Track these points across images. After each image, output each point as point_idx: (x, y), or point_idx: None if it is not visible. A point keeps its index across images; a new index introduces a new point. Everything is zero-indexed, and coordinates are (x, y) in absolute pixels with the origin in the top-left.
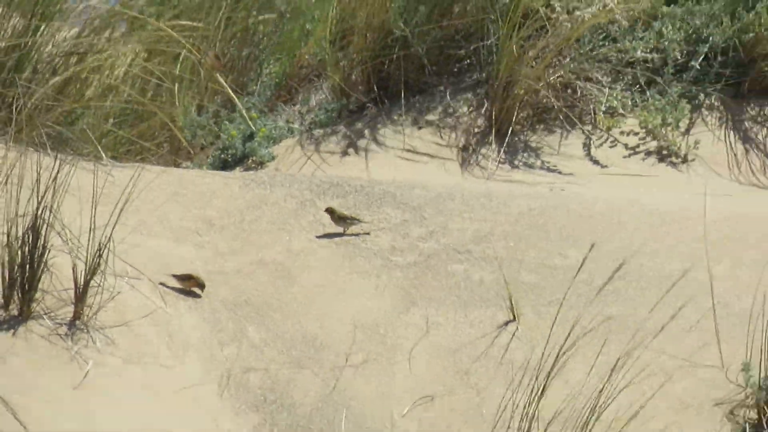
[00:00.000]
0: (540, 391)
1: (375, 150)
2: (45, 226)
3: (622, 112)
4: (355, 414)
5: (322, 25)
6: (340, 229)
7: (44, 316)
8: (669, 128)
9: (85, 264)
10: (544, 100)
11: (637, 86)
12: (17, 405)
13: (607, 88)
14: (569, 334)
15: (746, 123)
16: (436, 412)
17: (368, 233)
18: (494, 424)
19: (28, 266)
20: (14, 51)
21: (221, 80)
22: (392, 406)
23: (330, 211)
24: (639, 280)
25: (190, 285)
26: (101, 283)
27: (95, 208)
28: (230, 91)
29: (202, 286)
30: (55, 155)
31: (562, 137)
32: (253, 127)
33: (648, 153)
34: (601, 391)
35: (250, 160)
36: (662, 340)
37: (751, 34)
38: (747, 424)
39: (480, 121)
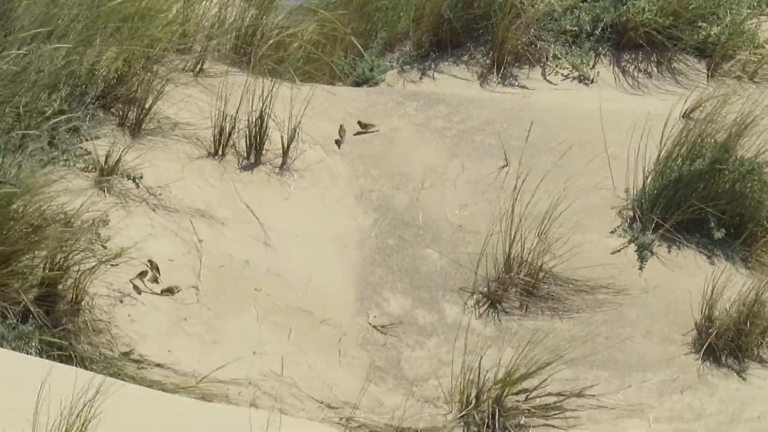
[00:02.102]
0: (516, 200)
1: (435, 76)
2: (266, 115)
3: (560, 57)
4: (426, 213)
5: (406, 12)
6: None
7: (266, 163)
8: (584, 65)
9: (287, 135)
10: (521, 51)
11: (568, 44)
12: (254, 209)
13: (552, 45)
14: (528, 173)
15: (623, 63)
16: (469, 212)
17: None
18: (497, 219)
19: (258, 136)
20: (251, 27)
21: (356, 42)
22: (446, 209)
23: (360, 123)
24: (568, 144)
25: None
26: (295, 146)
27: (291, 107)
28: (359, 47)
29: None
30: (271, 80)
31: (530, 70)
32: (372, 64)
33: (573, 78)
34: (551, 204)
35: (371, 82)
36: (581, 176)
37: (624, 17)
38: (627, 218)
39: (488, 61)
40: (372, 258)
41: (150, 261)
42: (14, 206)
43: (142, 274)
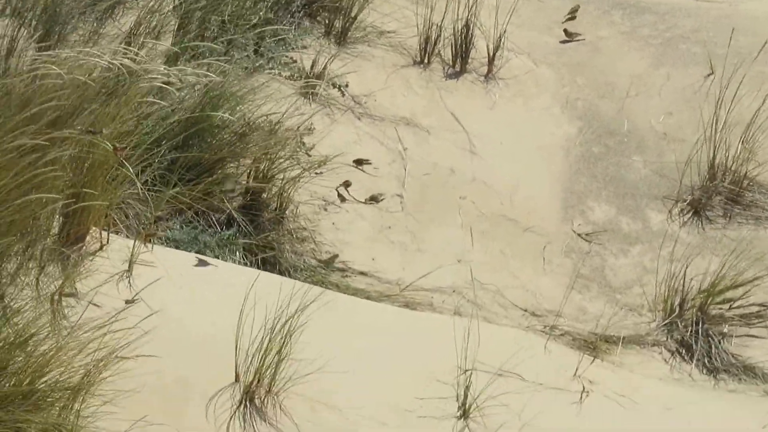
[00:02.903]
0: (720, 108)
1: None
2: (472, 24)
3: None
4: (631, 121)
5: None
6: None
7: (471, 72)
8: None
9: (493, 44)
10: None
11: None
12: (459, 117)
13: None
14: (733, 81)
15: None
16: (673, 120)
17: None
18: (702, 127)
19: (463, 45)
20: None
21: None
22: (650, 117)
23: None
24: None
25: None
26: (501, 55)
27: (497, 15)
28: None
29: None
30: None
31: None
32: None
33: None
34: (755, 112)
35: None
36: None
37: None
38: None
39: None
40: (577, 166)
41: (356, 159)
42: (219, 114)
43: (346, 183)
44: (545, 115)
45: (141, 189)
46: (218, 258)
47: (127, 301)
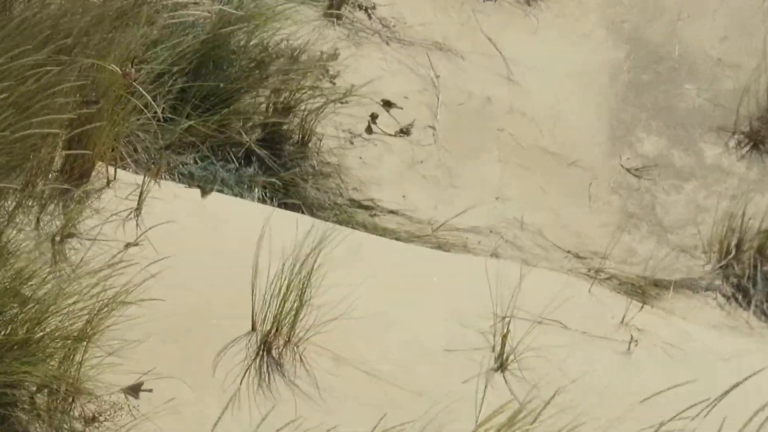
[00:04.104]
0: None
1: None
2: None
3: None
4: (683, 46)
5: None
6: None
7: None
8: None
9: None
10: None
11: None
12: (497, 42)
13: None
14: None
15: None
16: (728, 45)
17: None
18: (760, 53)
19: None
20: None
21: None
22: (704, 42)
23: None
24: None
25: None
26: None
27: None
28: None
29: None
30: None
31: None
32: None
33: None
34: None
35: None
36: None
37: None
38: None
39: None
40: (624, 95)
41: (384, 101)
42: (236, 39)
43: (373, 116)
44: (589, 39)
45: (152, 119)
46: (235, 195)
47: (129, 245)
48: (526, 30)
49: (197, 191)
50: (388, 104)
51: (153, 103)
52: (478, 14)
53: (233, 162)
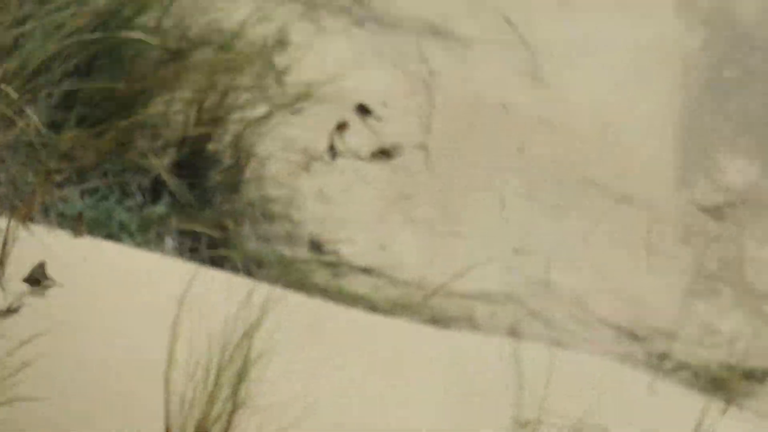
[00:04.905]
0: None
1: None
2: None
3: None
4: None
5: None
6: None
7: None
8: None
9: None
10: None
11: None
12: (517, 22)
13: None
14: None
15: None
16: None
17: None
18: None
19: None
20: None
21: None
22: None
23: None
24: None
25: None
26: None
27: None
28: None
29: None
30: None
31: None
32: None
33: None
34: None
35: None
36: None
37: None
38: None
39: None
40: (699, 98)
41: (359, 105)
42: (142, 18)
43: (340, 128)
44: (649, 18)
45: (20, 134)
46: (140, 246)
47: None
48: (557, 5)
49: (87, 240)
50: (362, 111)
51: (24, 111)
52: None
53: (136, 196)
